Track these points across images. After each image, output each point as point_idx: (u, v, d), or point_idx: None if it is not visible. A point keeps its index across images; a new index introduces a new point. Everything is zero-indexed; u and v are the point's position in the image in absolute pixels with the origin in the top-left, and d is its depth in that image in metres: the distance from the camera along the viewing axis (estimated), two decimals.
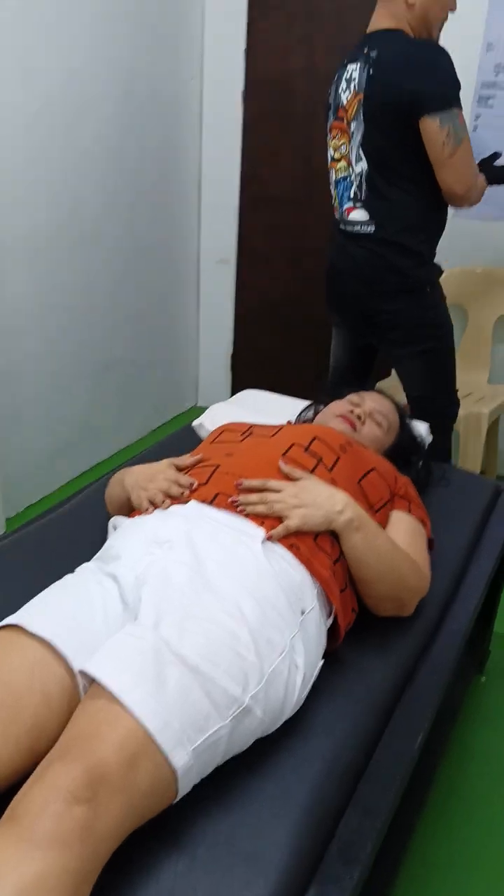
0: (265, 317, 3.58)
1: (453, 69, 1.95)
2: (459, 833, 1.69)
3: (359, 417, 1.65)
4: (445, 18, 2.10)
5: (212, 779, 1.04)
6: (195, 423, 2.08)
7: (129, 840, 0.93)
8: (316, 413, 1.80)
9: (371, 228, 2.15)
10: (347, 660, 1.32)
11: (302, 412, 1.91)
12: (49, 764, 0.90)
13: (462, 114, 1.96)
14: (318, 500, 1.30)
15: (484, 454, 2.89)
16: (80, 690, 1.04)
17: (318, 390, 1.98)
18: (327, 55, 3.07)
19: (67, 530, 1.64)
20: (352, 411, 1.66)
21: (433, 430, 2.37)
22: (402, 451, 1.75)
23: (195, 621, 1.07)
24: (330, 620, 1.29)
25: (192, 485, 1.37)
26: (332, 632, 1.31)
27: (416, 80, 1.93)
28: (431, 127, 1.94)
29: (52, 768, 0.88)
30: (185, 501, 1.33)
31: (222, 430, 1.62)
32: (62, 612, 1.11)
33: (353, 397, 1.72)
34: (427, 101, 1.92)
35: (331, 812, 1.08)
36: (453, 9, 2.08)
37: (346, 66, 2.11)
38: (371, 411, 1.68)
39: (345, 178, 2.18)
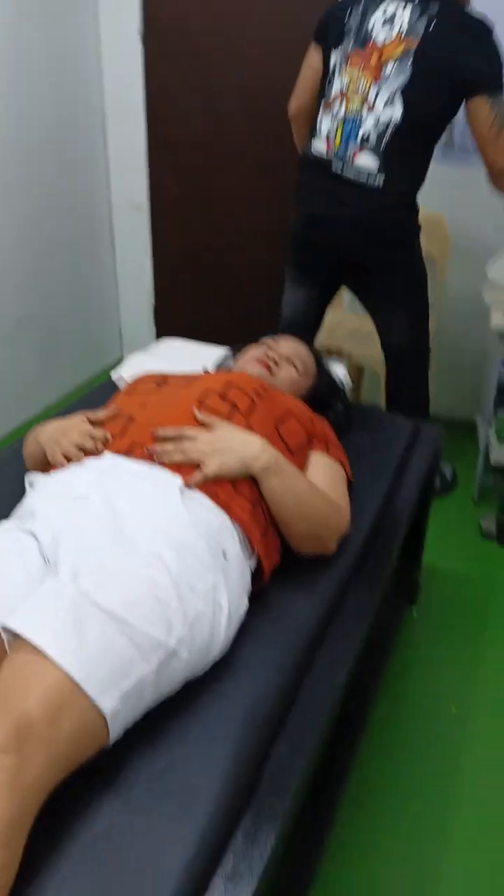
0: (184, 264, 3.52)
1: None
2: (397, 762, 1.77)
3: (274, 361, 1.65)
4: None
5: (143, 721, 1.06)
6: (114, 375, 2.05)
7: (65, 785, 0.95)
8: (234, 357, 1.79)
9: (381, 179, 2.06)
10: (273, 600, 1.34)
11: (221, 360, 1.90)
12: None
13: None
14: (233, 445, 1.31)
15: None
16: (5, 647, 1.04)
17: (239, 337, 1.96)
18: None
19: None
20: (267, 355, 1.66)
21: (413, 379, 2.41)
22: (320, 394, 1.77)
23: (114, 573, 1.07)
24: (253, 562, 1.32)
25: (105, 438, 1.36)
26: (257, 574, 1.33)
27: (479, 59, 1.96)
28: (483, 107, 1.96)
29: None
30: (100, 454, 1.32)
31: (137, 381, 1.61)
32: None
33: (268, 341, 1.73)
34: (486, 82, 1.95)
35: (260, 747, 1.11)
36: None
37: (383, 0, 2.03)
38: (287, 355, 1.69)
39: (356, 118, 2.06)
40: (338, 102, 2.09)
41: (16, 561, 1.13)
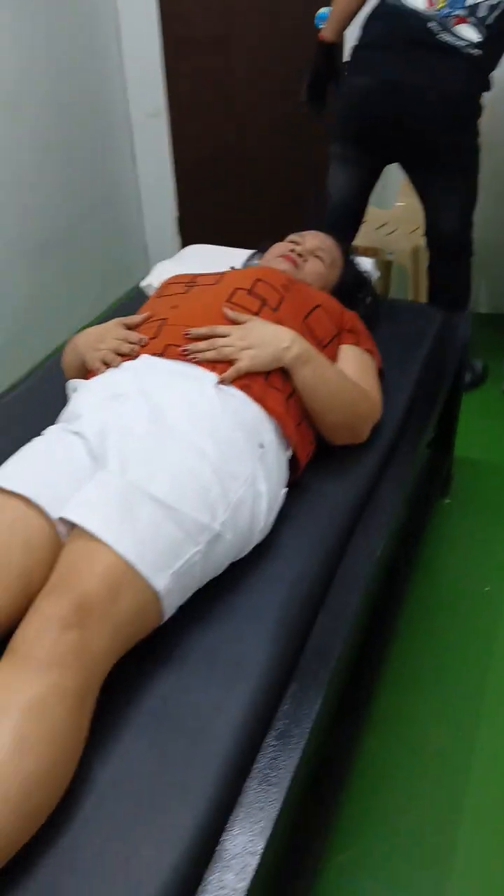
0: (207, 171, 3.47)
1: None
2: (430, 646, 1.86)
3: (300, 255, 1.66)
4: None
5: (193, 599, 1.14)
6: (143, 283, 2.08)
7: (124, 660, 1.03)
8: (260, 257, 1.80)
9: (479, 52, 2.00)
10: (310, 486, 1.40)
11: (247, 260, 1.91)
12: (40, 601, 0.98)
13: None
14: (264, 339, 1.34)
15: None
16: (62, 538, 1.11)
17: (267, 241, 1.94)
18: None
19: (31, 403, 1.67)
20: (293, 250, 1.67)
21: (462, 265, 2.37)
22: (347, 287, 1.77)
23: (159, 463, 1.13)
24: (289, 453, 1.36)
25: (141, 340, 1.39)
26: (293, 463, 1.38)
27: None
28: None
29: (42, 603, 0.96)
30: (136, 357, 1.36)
31: (166, 283, 1.63)
32: (34, 469, 1.17)
33: (293, 237, 1.73)
34: None
35: (303, 620, 1.19)
36: None
37: None
38: (312, 248, 1.69)
39: None
40: None
41: (65, 459, 1.19)
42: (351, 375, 1.47)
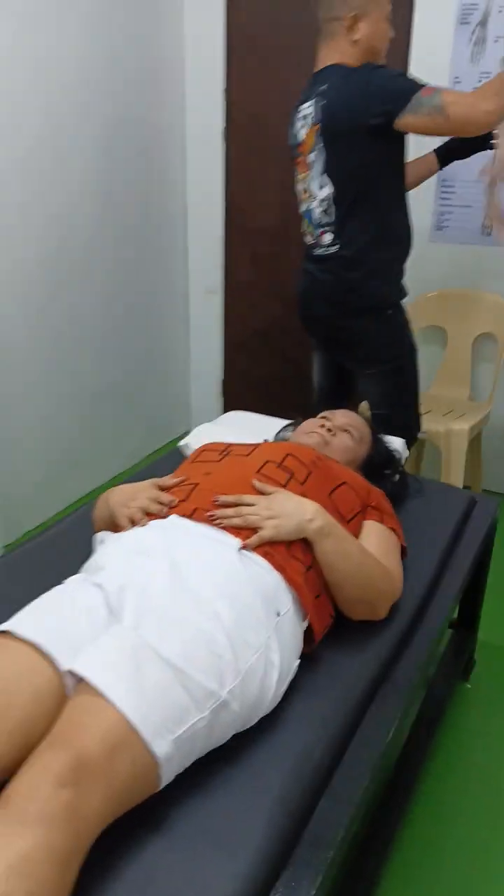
0: (253, 343, 3.70)
1: (393, 71, 2.10)
2: (441, 843, 1.75)
3: (329, 430, 1.74)
4: (387, 45, 2.23)
5: (193, 769, 1.12)
6: (182, 443, 2.17)
7: (116, 826, 1.01)
8: (293, 430, 1.89)
9: (336, 248, 2.26)
10: (324, 660, 1.39)
11: (280, 431, 2.00)
12: (38, 753, 0.97)
13: (425, 86, 2.01)
14: (289, 510, 1.39)
15: (467, 469, 2.98)
16: (68, 690, 1.12)
17: (302, 411, 2.07)
18: (300, 90, 3.20)
19: (59, 548, 1.72)
20: (322, 426, 1.75)
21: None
22: (375, 464, 1.84)
23: (174, 623, 1.15)
24: (305, 624, 1.37)
25: (171, 502, 1.45)
26: (308, 635, 1.38)
27: (372, 92, 2.03)
28: (411, 122, 2.02)
29: (40, 756, 0.96)
30: (165, 517, 1.42)
31: (202, 450, 1.71)
32: (50, 618, 1.19)
33: (325, 414, 1.82)
34: (392, 107, 2.00)
35: (304, 801, 1.15)
36: (392, 35, 2.23)
37: (299, 108, 2.26)
38: (342, 424, 1.78)
39: (309, 209, 2.31)
40: (302, 202, 2.35)
41: (83, 610, 1.22)
42: (373, 551, 1.49)
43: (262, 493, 1.46)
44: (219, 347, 3.78)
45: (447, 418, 2.88)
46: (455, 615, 2.18)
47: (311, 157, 2.22)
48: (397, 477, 1.92)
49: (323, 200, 2.24)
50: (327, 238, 2.28)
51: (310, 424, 1.79)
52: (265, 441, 1.80)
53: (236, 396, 3.77)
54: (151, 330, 3.54)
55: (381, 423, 2.36)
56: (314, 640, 1.38)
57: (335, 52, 2.17)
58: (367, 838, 1.50)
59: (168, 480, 1.56)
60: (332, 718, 1.28)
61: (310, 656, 1.38)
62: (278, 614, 1.28)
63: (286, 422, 2.14)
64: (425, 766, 1.81)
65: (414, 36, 2.93)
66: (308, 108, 2.21)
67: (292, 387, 3.64)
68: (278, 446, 1.63)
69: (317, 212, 2.28)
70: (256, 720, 1.22)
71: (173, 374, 3.81)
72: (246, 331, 3.69)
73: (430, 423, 2.82)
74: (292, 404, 3.30)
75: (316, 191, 2.25)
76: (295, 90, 3.19)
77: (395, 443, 2.07)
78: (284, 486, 1.48)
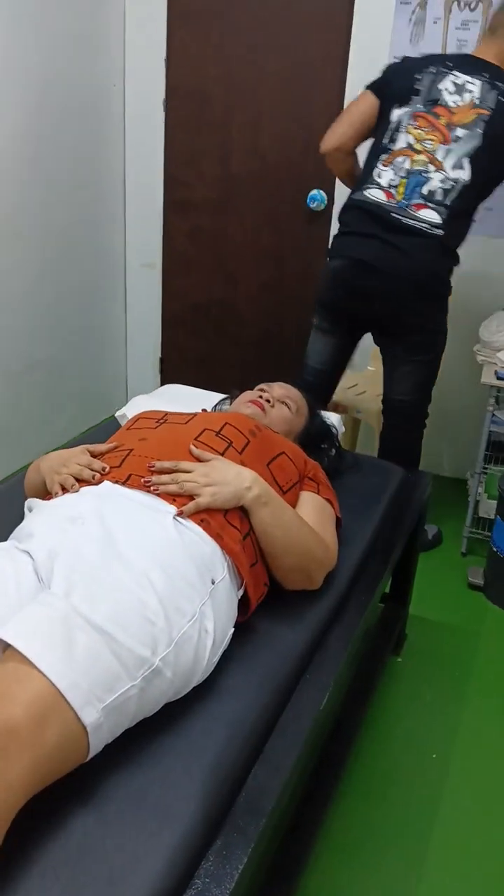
0: (192, 320, 3.65)
1: None
2: (375, 804, 1.78)
3: (267, 401, 1.73)
4: None
5: (123, 738, 1.09)
6: (118, 413, 2.13)
7: (40, 797, 0.97)
8: (230, 402, 1.87)
9: (439, 231, 2.18)
10: (258, 629, 1.38)
11: (217, 404, 1.98)
12: None
13: None
14: (226, 478, 1.37)
15: None
16: None
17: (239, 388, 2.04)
18: (242, 66, 3.17)
19: None
20: (261, 396, 1.74)
21: (410, 433, 2.48)
22: (312, 437, 1.83)
23: (104, 590, 1.12)
24: (241, 592, 1.36)
25: (103, 469, 1.41)
26: (244, 603, 1.37)
27: None
28: None
29: None
30: (98, 483, 1.38)
31: (137, 417, 1.67)
32: None
33: (262, 385, 1.81)
34: None
35: (238, 768, 1.14)
36: None
37: (452, 71, 2.20)
38: (279, 396, 1.77)
39: (421, 173, 2.19)
40: (403, 157, 2.21)
41: (10, 577, 1.17)
42: (309, 521, 1.49)
43: (199, 460, 1.43)
44: (157, 323, 3.72)
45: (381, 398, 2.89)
46: (387, 589, 2.21)
47: (459, 132, 2.16)
48: (333, 451, 1.92)
49: (450, 180, 2.18)
50: (428, 214, 2.18)
51: (247, 395, 1.77)
52: (203, 410, 1.78)
53: (175, 373, 3.72)
54: (86, 303, 3.44)
55: (400, 410, 2.42)
56: (249, 609, 1.37)
57: (494, 51, 2.22)
58: (299, 808, 1.50)
59: (101, 447, 1.52)
60: (266, 687, 1.27)
61: (244, 625, 1.36)
62: (213, 582, 1.26)
63: (223, 396, 2.11)
64: (357, 737, 1.82)
65: (356, 15, 2.93)
66: (472, 85, 2.16)
67: (230, 363, 3.61)
68: (217, 415, 1.60)
69: (435, 182, 2.18)
70: (189, 689, 1.20)
71: (109, 349, 3.73)
72: (185, 306, 3.64)
73: (364, 402, 2.84)
74: (231, 381, 3.29)
75: (447, 165, 2.17)
76: (238, 64, 3.17)
77: (332, 418, 2.07)
78: (222, 455, 1.46)
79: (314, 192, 3.19)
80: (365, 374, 3.10)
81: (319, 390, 2.52)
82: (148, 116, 3.38)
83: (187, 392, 2.29)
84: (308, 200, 3.21)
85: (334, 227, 2.90)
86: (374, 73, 2.36)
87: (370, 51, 2.89)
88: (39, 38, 2.81)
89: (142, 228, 3.57)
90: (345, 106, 2.93)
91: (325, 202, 3.19)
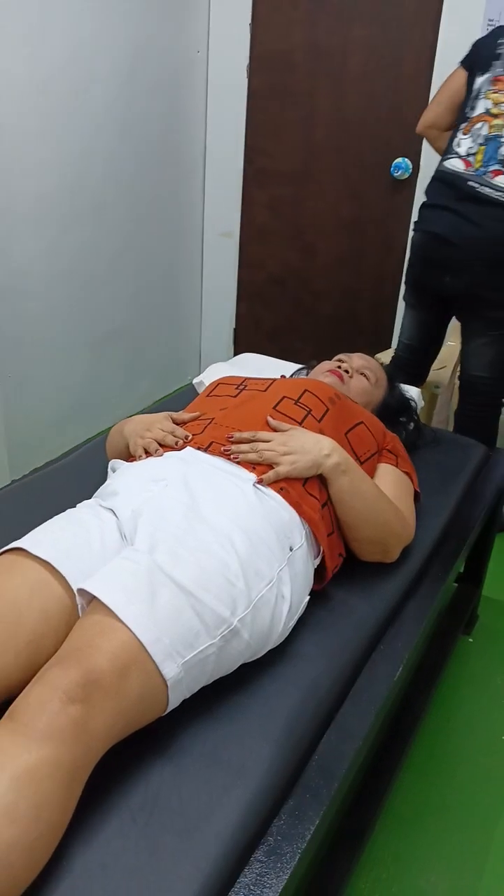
0: (267, 290, 3.63)
1: None
2: (437, 786, 1.77)
3: (346, 371, 1.71)
4: None
5: (200, 695, 1.11)
6: (195, 380, 2.15)
7: (121, 747, 1.01)
8: (308, 373, 1.86)
9: None
10: (334, 598, 1.39)
11: (294, 373, 1.97)
12: (47, 669, 0.97)
13: None
14: (305, 446, 1.37)
15: None
16: (79, 610, 1.11)
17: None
18: (329, 32, 3.10)
19: (71, 476, 1.71)
20: (339, 366, 1.72)
21: (486, 410, 2.44)
22: (391, 410, 1.81)
23: (188, 549, 1.14)
24: (318, 561, 1.36)
25: (186, 437, 1.43)
26: (320, 572, 1.38)
27: None
28: None
29: (49, 672, 0.95)
30: (181, 449, 1.39)
31: (217, 383, 1.68)
32: (63, 538, 1.18)
33: (340, 356, 1.79)
34: None
35: (311, 732, 1.15)
36: None
37: None
38: (359, 366, 1.75)
39: (498, 137, 2.12)
40: (481, 123, 2.15)
41: (95, 532, 1.21)
42: (387, 493, 1.47)
43: (277, 430, 1.43)
44: (232, 293, 3.72)
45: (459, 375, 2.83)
46: (461, 569, 2.17)
47: None
48: (412, 425, 1.89)
49: None
50: None
51: (326, 364, 1.76)
52: (282, 377, 1.77)
53: (248, 344, 3.72)
54: (164, 272, 3.47)
55: (489, 387, 2.37)
56: (325, 578, 1.37)
57: None
58: (365, 778, 1.51)
59: (184, 415, 1.53)
60: (340, 655, 1.28)
61: (320, 594, 1.37)
62: (291, 549, 1.26)
63: (299, 366, 2.10)
64: (425, 713, 1.81)
65: None
66: None
67: (305, 336, 3.59)
68: (296, 382, 1.60)
69: None
70: (265, 652, 1.21)
71: (185, 319, 3.75)
72: (260, 277, 3.62)
73: (443, 378, 2.78)
74: (305, 355, 3.27)
75: None
76: (324, 29, 3.10)
77: (412, 391, 2.04)
78: (301, 423, 1.46)
79: (399, 160, 3.11)
80: (445, 348, 3.02)
81: (412, 366, 2.51)
82: (231, 84, 3.35)
83: (264, 361, 2.28)
84: (392, 169, 3.14)
85: (419, 197, 2.84)
86: (466, 36, 2.28)
87: (463, 9, 2.79)
88: (129, 5, 2.81)
89: (221, 198, 3.56)
90: (434, 71, 2.87)
91: (410, 171, 3.11)
